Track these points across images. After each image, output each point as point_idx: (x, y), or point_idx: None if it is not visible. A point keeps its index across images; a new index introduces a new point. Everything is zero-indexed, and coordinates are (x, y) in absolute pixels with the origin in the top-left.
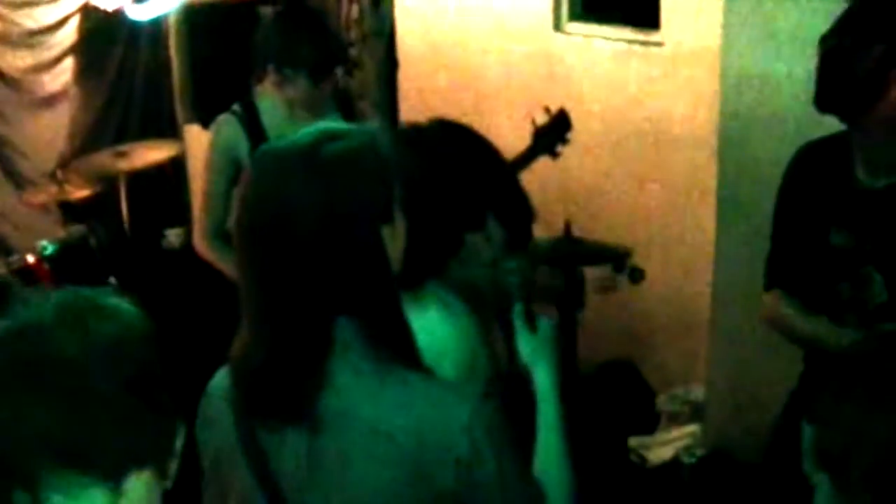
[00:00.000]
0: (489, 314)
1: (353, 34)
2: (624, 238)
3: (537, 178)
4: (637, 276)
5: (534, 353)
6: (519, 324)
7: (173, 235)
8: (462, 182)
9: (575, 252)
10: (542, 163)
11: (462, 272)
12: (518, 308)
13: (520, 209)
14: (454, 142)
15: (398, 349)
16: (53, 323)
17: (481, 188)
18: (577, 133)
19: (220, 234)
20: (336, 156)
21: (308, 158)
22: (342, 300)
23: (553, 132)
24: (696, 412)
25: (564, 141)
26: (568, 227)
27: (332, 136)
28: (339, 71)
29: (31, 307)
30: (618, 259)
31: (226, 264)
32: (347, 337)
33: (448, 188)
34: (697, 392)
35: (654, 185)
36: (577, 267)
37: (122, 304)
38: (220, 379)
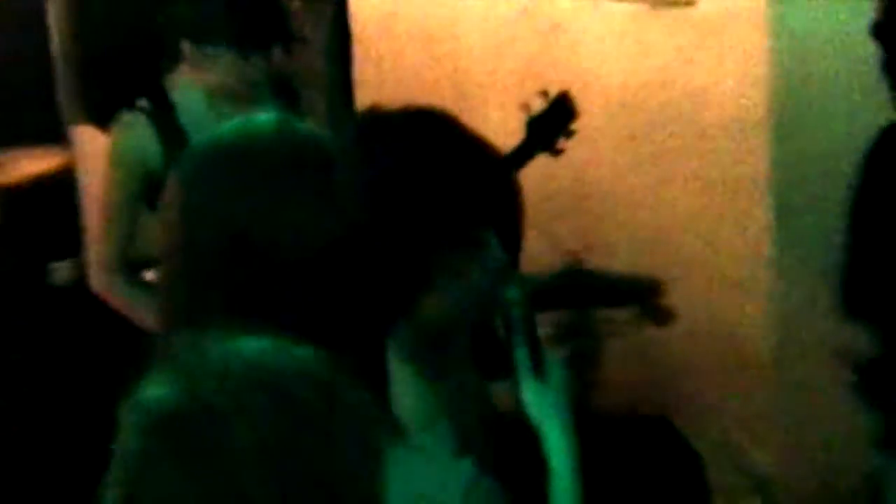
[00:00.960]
0: (472, 364)
1: (294, 1)
2: (653, 256)
3: (538, 182)
4: (663, 318)
5: (543, 407)
6: (523, 370)
7: (62, 269)
8: (442, 187)
9: (585, 290)
10: (547, 163)
11: (441, 310)
12: (521, 350)
13: (517, 221)
14: (429, 135)
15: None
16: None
17: (468, 195)
18: (588, 122)
19: (122, 268)
20: (285, 157)
21: (265, 155)
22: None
23: (552, 122)
24: (760, 486)
25: (568, 133)
26: (577, 259)
27: (279, 130)
28: (277, 49)
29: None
30: (643, 297)
31: (131, 306)
32: None
33: (423, 195)
34: (760, 458)
35: (689, 186)
36: (589, 309)
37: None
38: None
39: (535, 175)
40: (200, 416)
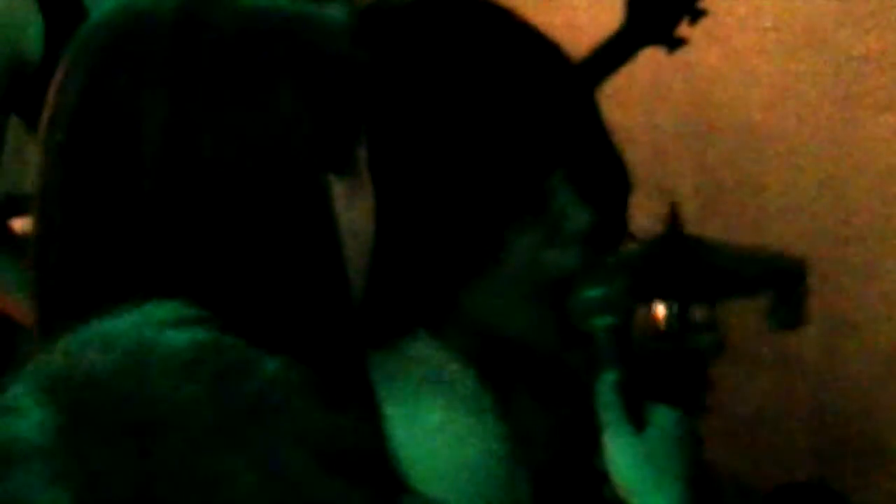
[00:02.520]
0: (548, 395)
1: None
2: (817, 250)
3: (632, 122)
4: (793, 316)
5: (641, 471)
6: (611, 413)
7: None
8: (491, 109)
9: (694, 267)
10: (660, 61)
11: (492, 305)
12: (610, 379)
13: (608, 168)
14: (470, 29)
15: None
16: None
17: (532, 124)
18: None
19: None
20: (244, 32)
21: (184, 32)
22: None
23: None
24: None
25: (694, 14)
26: (674, 215)
27: None
28: None
29: None
30: (785, 281)
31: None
32: None
33: (464, 120)
34: None
35: (882, 140)
36: (705, 301)
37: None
38: None
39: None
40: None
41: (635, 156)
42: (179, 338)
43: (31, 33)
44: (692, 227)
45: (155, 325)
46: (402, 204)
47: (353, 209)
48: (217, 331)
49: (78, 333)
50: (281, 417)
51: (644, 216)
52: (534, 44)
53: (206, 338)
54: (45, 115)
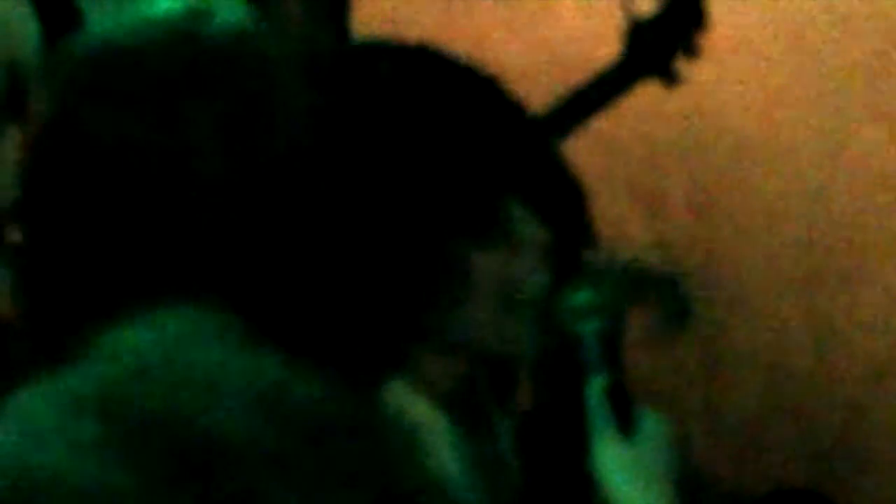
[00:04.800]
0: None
1: None
2: (808, 258)
3: (625, 133)
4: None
5: (629, 475)
6: (599, 418)
7: None
8: (433, 141)
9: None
10: (649, 96)
11: (467, 323)
12: (598, 385)
13: (558, 187)
14: (412, 76)
15: None
16: None
17: (473, 153)
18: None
19: None
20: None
21: (187, 43)
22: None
23: (668, 31)
24: None
25: (690, 49)
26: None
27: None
28: None
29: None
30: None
31: None
32: None
33: (410, 151)
34: None
35: (873, 148)
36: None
37: None
38: None
39: (623, 120)
40: None
41: (628, 167)
42: (215, 358)
43: (27, 37)
44: (684, 236)
45: (184, 341)
46: (356, 232)
47: None
48: (249, 345)
49: (99, 348)
50: (333, 452)
51: (637, 226)
52: (471, 82)
53: (248, 362)
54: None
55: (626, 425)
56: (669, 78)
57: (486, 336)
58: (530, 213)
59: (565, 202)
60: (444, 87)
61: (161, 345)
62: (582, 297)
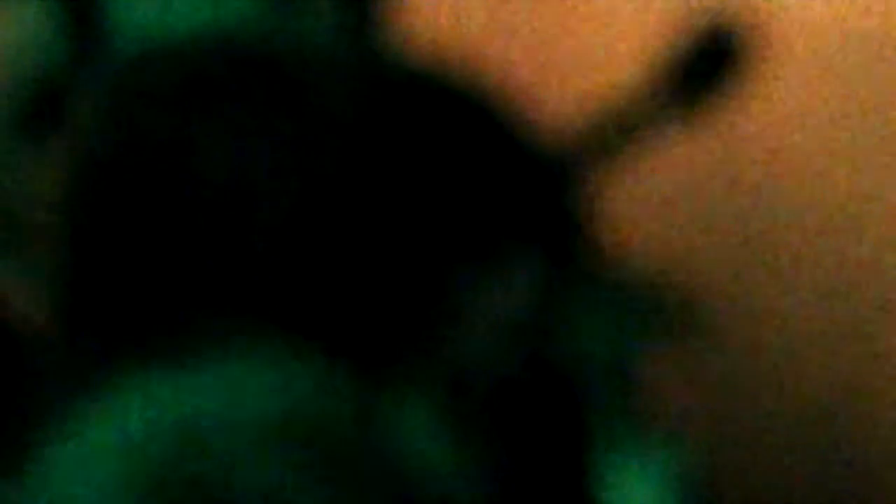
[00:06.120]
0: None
1: None
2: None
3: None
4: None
5: (634, 489)
6: (602, 432)
7: None
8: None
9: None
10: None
11: (466, 348)
12: (602, 399)
13: (561, 216)
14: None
15: None
16: None
17: (470, 189)
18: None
19: None
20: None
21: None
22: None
23: (700, 69)
24: None
25: (721, 87)
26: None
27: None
28: None
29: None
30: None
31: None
32: None
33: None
34: None
35: (864, 174)
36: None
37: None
38: None
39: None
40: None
41: (661, 187)
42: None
43: (51, 45)
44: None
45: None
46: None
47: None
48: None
49: (157, 387)
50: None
51: (639, 237)
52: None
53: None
54: (64, 130)
55: (630, 440)
56: (698, 115)
57: (488, 359)
58: (520, 243)
59: (557, 233)
60: (473, 135)
61: (222, 390)
62: (587, 313)
